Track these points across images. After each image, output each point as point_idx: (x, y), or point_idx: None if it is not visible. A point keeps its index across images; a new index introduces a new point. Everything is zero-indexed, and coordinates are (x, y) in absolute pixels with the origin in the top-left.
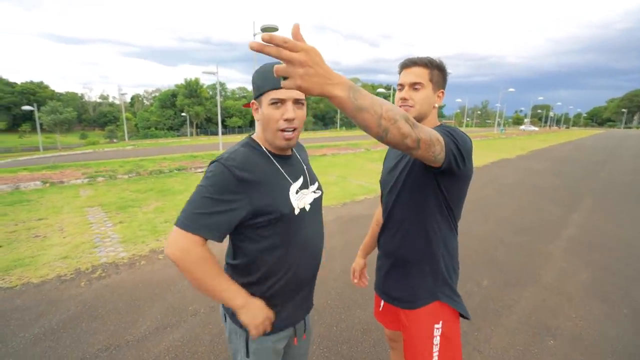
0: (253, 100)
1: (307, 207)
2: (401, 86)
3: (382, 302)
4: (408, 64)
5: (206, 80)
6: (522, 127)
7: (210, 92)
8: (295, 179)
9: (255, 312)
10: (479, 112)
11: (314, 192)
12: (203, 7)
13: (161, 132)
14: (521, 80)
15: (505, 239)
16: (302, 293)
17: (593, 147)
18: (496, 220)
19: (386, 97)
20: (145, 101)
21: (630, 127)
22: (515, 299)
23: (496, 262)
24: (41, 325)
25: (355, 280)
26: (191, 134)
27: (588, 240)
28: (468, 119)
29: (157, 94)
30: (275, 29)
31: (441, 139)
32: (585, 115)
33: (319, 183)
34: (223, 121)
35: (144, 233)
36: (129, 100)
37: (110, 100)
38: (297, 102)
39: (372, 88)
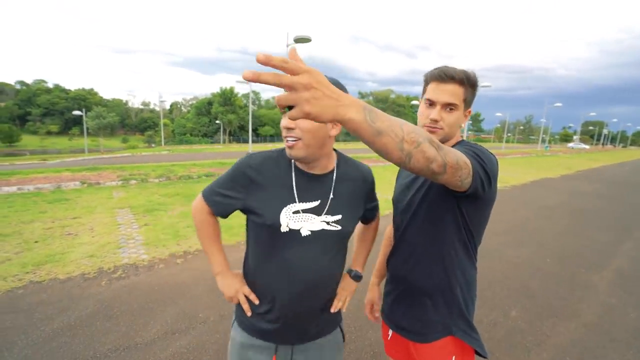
0: None
1: (305, 232)
2: (431, 102)
3: (390, 332)
4: (443, 77)
5: (241, 89)
6: (571, 144)
7: (244, 101)
8: (304, 200)
9: (228, 283)
10: (521, 127)
11: (328, 223)
12: (241, 18)
13: (195, 139)
14: (570, 95)
15: (542, 266)
16: (280, 317)
17: None
18: (533, 245)
19: None
20: (183, 108)
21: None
22: (548, 334)
23: (529, 290)
24: (61, 320)
25: (370, 316)
26: (224, 141)
27: None
28: (509, 134)
29: (194, 102)
30: (308, 40)
31: (468, 161)
32: None
33: (344, 218)
34: (255, 129)
35: (166, 236)
36: (168, 107)
37: (152, 106)
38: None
39: (407, 99)
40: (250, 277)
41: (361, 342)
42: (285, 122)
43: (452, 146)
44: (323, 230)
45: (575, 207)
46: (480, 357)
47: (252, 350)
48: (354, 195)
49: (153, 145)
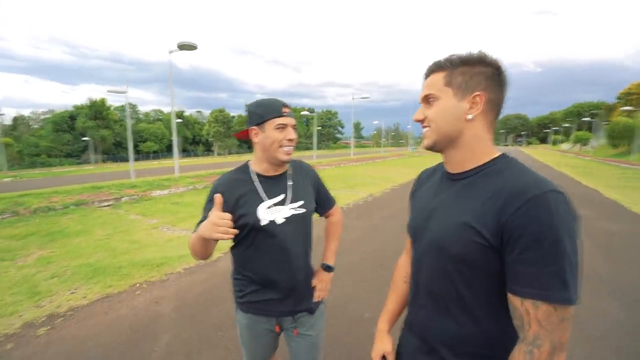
0: (253, 127)
1: (280, 220)
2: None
3: None
4: (426, 73)
5: (114, 102)
6: None
7: (119, 114)
8: (271, 196)
9: (204, 225)
10: (392, 133)
11: (294, 209)
12: (110, 21)
13: (56, 160)
14: None
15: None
16: (276, 291)
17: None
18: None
19: (309, 119)
20: (33, 123)
21: (507, 145)
22: None
23: None
24: None
25: None
26: (96, 161)
27: None
28: (384, 139)
29: (49, 116)
30: (193, 47)
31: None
32: None
33: (305, 202)
34: (135, 146)
35: (15, 298)
36: (8, 122)
37: None
38: (293, 126)
39: (296, 111)
40: (243, 271)
41: None
42: (293, 135)
43: (483, 167)
44: (292, 215)
45: None
46: None
47: (257, 325)
48: (305, 184)
49: None
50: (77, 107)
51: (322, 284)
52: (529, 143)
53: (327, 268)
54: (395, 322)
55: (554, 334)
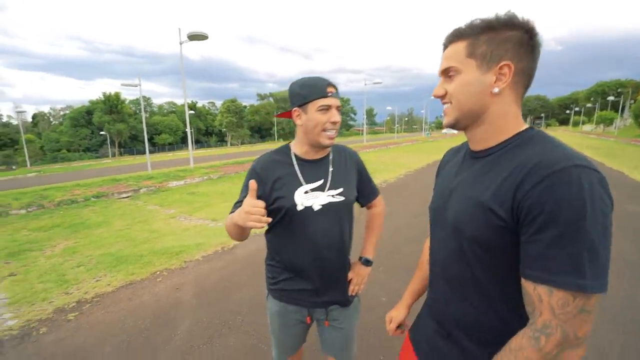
0: (296, 108)
1: (317, 207)
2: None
3: None
4: (444, 44)
5: (128, 95)
6: (444, 131)
7: (134, 108)
8: (310, 181)
9: (238, 213)
10: (406, 118)
11: (332, 196)
12: (122, 15)
13: (75, 155)
14: None
15: None
16: (309, 282)
17: None
18: None
19: None
20: (52, 120)
21: None
22: None
23: None
24: None
25: (390, 332)
26: (113, 155)
27: None
28: (397, 125)
29: (68, 112)
30: (204, 37)
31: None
32: None
33: (345, 190)
34: (151, 139)
35: (46, 286)
36: (29, 119)
37: (4, 119)
38: (338, 108)
39: None
40: (276, 257)
41: None
42: (337, 117)
43: (506, 143)
44: (330, 203)
45: None
46: None
47: (288, 314)
48: (347, 170)
49: (14, 167)
50: (92, 102)
51: (358, 278)
52: (548, 125)
53: (366, 262)
54: (419, 298)
55: (568, 325)
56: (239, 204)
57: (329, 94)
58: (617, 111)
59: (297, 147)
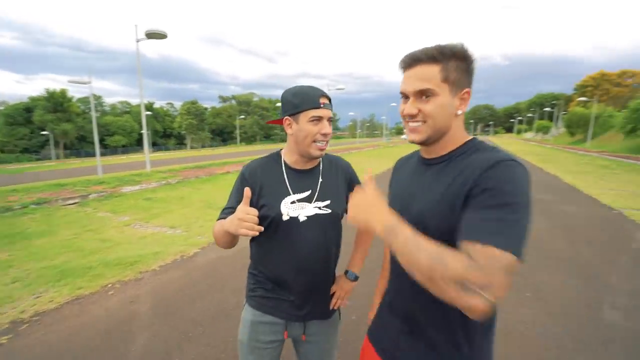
0: (287, 117)
1: (302, 218)
2: (404, 95)
3: None
4: (409, 62)
5: (76, 93)
6: (403, 136)
7: (82, 107)
8: (297, 191)
9: (230, 220)
10: (367, 124)
11: (319, 208)
12: (68, 5)
13: (11, 156)
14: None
15: None
16: (290, 293)
17: None
18: None
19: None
20: None
21: (475, 134)
22: None
23: None
24: None
25: None
26: (57, 157)
27: None
28: (359, 130)
29: (1, 108)
30: (163, 36)
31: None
32: None
33: (333, 202)
34: (102, 140)
35: None
36: None
37: None
38: (329, 119)
39: (270, 102)
40: (259, 266)
41: None
42: (327, 129)
43: (456, 151)
44: (317, 214)
45: None
46: None
47: (263, 326)
48: (337, 182)
49: None
50: (33, 99)
51: (341, 292)
52: (496, 132)
53: (351, 276)
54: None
55: (487, 274)
56: (227, 210)
57: (322, 105)
58: (552, 120)
59: (288, 156)
